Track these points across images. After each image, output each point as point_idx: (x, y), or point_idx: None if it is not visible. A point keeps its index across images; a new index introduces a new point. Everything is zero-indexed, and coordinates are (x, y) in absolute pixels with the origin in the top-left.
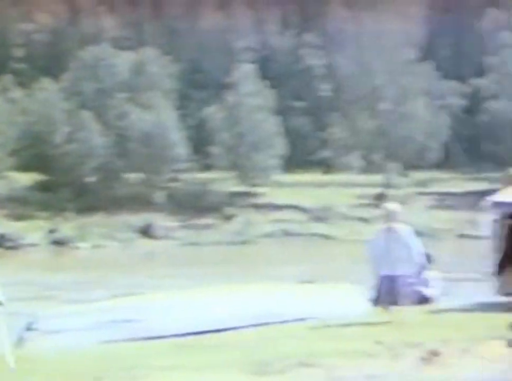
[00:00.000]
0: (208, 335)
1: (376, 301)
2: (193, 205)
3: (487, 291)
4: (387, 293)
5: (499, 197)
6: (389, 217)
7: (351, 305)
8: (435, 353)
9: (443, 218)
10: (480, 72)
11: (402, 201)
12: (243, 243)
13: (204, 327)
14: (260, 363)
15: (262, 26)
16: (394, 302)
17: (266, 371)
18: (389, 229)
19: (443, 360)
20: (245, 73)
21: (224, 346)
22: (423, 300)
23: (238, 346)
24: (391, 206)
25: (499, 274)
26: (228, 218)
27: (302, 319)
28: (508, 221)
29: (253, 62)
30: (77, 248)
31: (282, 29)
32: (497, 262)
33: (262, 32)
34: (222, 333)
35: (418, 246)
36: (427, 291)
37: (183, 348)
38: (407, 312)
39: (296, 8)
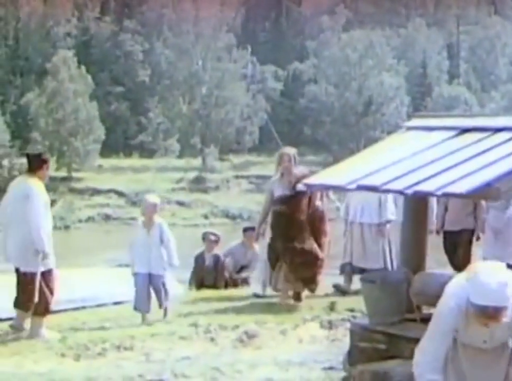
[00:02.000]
0: None
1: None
2: None
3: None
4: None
5: (313, 179)
6: (148, 210)
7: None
8: (251, 335)
9: (260, 201)
10: (300, 56)
11: (221, 184)
12: (65, 228)
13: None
14: (78, 347)
15: (81, 12)
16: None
17: (86, 355)
18: (148, 224)
19: (259, 342)
20: (64, 59)
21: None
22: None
23: (54, 330)
24: (151, 198)
25: (273, 269)
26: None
27: (118, 303)
28: (275, 208)
29: (72, 48)
30: None
31: (101, 15)
32: (269, 256)
33: (81, 18)
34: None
35: (173, 241)
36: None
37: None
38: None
39: None
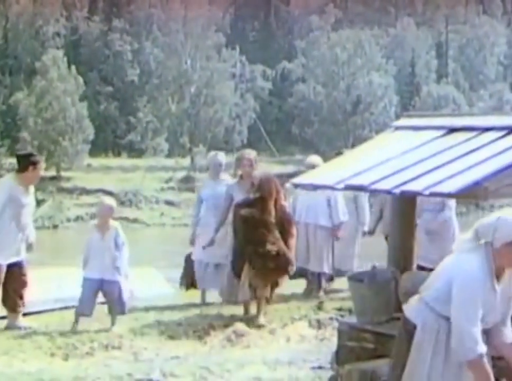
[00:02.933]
0: None
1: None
2: None
3: None
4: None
5: (300, 179)
6: (103, 213)
7: (155, 288)
8: (239, 335)
9: None
10: (288, 55)
11: None
12: (54, 227)
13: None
14: (66, 347)
15: (69, 12)
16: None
17: (74, 354)
18: (102, 227)
19: (248, 341)
20: (54, 58)
21: (30, 331)
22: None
23: (43, 330)
24: (107, 200)
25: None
26: (38, 202)
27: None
28: (242, 211)
29: (61, 48)
30: None
31: (90, 14)
32: (234, 263)
33: (70, 17)
34: (26, 318)
35: (126, 248)
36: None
37: None
38: None
39: None
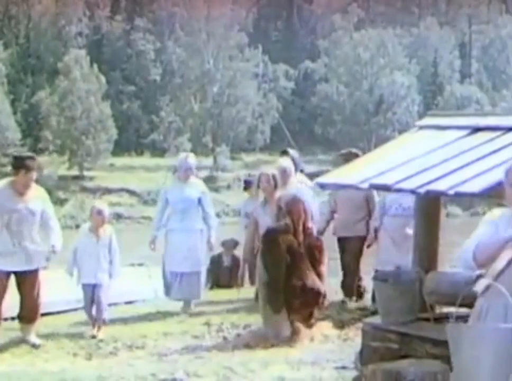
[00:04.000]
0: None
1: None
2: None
3: None
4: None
5: (325, 178)
6: (98, 216)
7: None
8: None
9: None
10: (311, 55)
11: (232, 183)
12: (76, 227)
13: None
14: (89, 347)
15: (92, 11)
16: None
17: (97, 354)
18: (97, 232)
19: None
20: (77, 58)
21: (53, 331)
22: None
23: (67, 330)
24: (101, 205)
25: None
26: (61, 202)
27: (130, 302)
28: (276, 237)
29: (83, 47)
30: None
31: (112, 14)
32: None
33: (93, 17)
34: (48, 317)
35: (118, 252)
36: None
37: (13, 332)
38: None
39: None
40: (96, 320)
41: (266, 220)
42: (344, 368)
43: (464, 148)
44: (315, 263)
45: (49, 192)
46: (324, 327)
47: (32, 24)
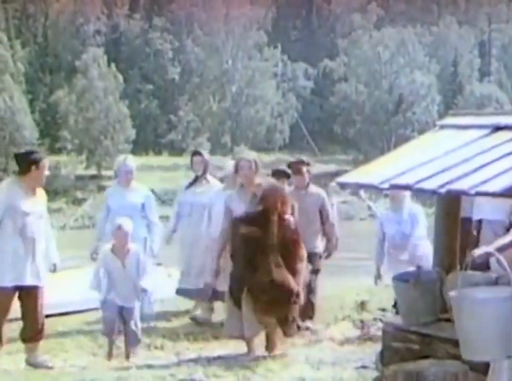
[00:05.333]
0: (53, 319)
1: None
2: (44, 189)
3: None
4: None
5: (345, 178)
6: (121, 233)
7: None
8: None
9: None
10: (330, 54)
11: None
12: (94, 226)
13: (49, 311)
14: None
15: (110, 10)
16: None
17: (117, 354)
18: (120, 252)
19: (291, 341)
20: (94, 56)
21: (72, 330)
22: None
23: (85, 330)
24: (125, 222)
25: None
26: (78, 201)
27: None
28: (242, 230)
29: (101, 46)
30: None
31: (131, 12)
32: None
33: (111, 15)
34: (67, 317)
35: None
36: None
37: None
38: None
39: None
40: (130, 347)
41: (240, 209)
42: (364, 368)
43: (484, 148)
44: (289, 258)
45: (67, 191)
46: (344, 328)
47: (49, 23)
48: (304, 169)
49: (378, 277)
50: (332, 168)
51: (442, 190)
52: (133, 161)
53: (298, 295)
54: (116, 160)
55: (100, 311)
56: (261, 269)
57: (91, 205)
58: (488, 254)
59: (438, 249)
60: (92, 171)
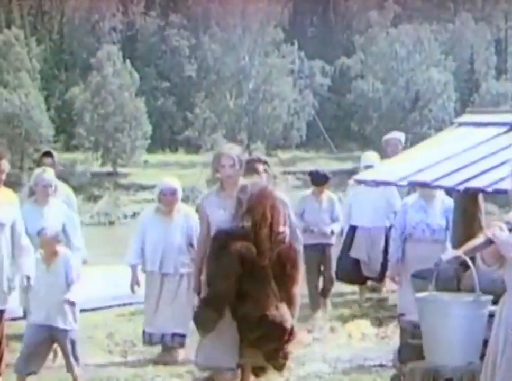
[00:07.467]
0: None
1: None
2: None
3: None
4: None
5: (364, 175)
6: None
7: None
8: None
9: None
10: (347, 51)
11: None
12: (110, 223)
13: None
14: (124, 344)
15: (126, 7)
16: None
17: (132, 351)
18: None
19: (308, 338)
20: (109, 53)
21: (88, 327)
22: None
23: (101, 327)
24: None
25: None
26: (94, 198)
27: None
28: (226, 241)
29: (117, 43)
30: None
31: (147, 9)
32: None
33: (126, 12)
34: (84, 314)
35: None
36: None
37: None
38: None
39: None
40: None
41: (221, 215)
42: (382, 366)
43: (502, 145)
44: (285, 281)
45: (83, 188)
46: (362, 325)
47: (65, 20)
48: (261, 167)
49: None
50: (348, 165)
51: (461, 188)
52: (51, 175)
53: (292, 333)
54: (33, 173)
55: (115, 309)
56: (250, 300)
57: (107, 202)
58: (456, 258)
59: (456, 246)
60: (108, 168)
